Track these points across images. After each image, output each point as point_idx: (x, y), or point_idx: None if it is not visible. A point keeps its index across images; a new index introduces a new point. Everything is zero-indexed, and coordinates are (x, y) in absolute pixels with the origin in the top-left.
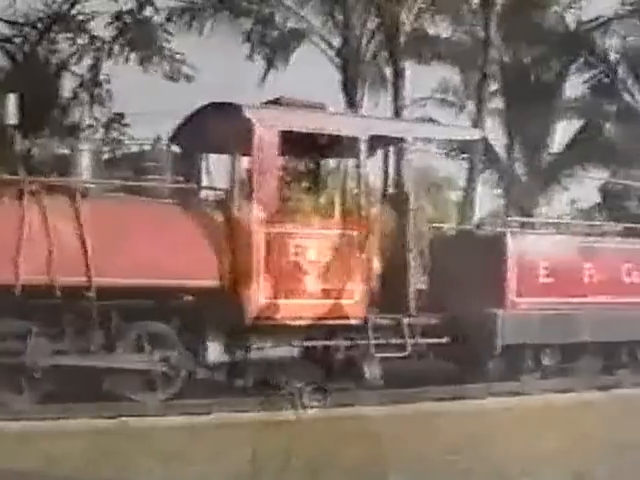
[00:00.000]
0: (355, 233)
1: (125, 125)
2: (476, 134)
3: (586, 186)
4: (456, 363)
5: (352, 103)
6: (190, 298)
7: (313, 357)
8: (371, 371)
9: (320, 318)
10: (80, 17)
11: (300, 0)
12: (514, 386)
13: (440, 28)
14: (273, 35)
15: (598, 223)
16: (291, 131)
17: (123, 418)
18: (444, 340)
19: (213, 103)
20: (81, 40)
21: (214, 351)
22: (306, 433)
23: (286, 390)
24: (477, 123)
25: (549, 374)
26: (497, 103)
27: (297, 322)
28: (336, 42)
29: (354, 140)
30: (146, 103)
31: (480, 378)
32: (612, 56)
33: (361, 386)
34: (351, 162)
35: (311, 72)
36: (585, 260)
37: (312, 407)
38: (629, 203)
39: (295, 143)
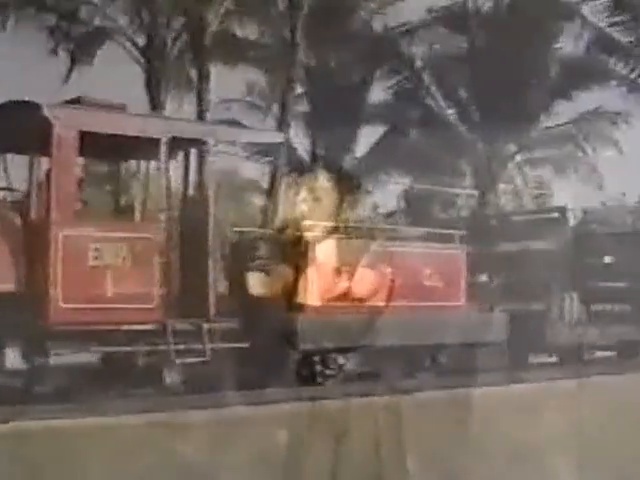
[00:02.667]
0: (155, 236)
1: None
2: (279, 137)
3: (390, 191)
4: (258, 368)
5: (156, 104)
6: None
7: (113, 363)
8: (171, 377)
9: (119, 323)
10: None
11: None
12: (316, 390)
13: (247, 30)
14: (78, 32)
15: (400, 227)
16: (91, 131)
17: None
18: (245, 345)
19: (11, 101)
20: None
21: (11, 358)
22: (102, 441)
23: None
24: (282, 126)
25: (351, 378)
26: (302, 107)
27: (96, 327)
28: (141, 41)
29: (155, 142)
30: None
31: (281, 383)
32: (417, 62)
33: (161, 392)
34: (152, 164)
35: (116, 71)
36: (386, 264)
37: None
38: (432, 207)
39: (96, 144)
